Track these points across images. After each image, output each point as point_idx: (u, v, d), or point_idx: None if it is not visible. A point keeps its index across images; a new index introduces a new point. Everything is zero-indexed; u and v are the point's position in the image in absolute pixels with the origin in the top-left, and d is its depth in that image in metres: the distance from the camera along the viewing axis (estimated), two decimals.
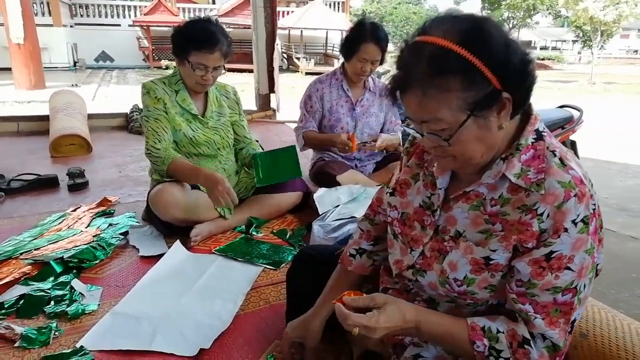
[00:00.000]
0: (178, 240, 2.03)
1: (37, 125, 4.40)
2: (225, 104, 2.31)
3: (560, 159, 0.87)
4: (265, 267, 1.90)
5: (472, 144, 0.87)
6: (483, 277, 0.92)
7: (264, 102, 5.39)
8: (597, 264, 0.92)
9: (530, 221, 0.85)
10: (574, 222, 0.83)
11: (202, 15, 22.08)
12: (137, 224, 2.28)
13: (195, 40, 2.03)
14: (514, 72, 0.83)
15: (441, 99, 0.82)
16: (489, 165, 0.92)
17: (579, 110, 3.82)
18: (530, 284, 0.86)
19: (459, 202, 0.97)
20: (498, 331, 0.89)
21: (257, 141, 2.50)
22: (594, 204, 0.85)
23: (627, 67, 33.29)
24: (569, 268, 0.84)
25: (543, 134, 0.90)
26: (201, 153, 2.19)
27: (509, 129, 0.90)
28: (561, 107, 3.93)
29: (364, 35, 2.36)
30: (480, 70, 0.80)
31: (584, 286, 0.86)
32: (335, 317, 0.95)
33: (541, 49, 47.51)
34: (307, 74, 19.87)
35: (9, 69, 11.43)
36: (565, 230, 0.83)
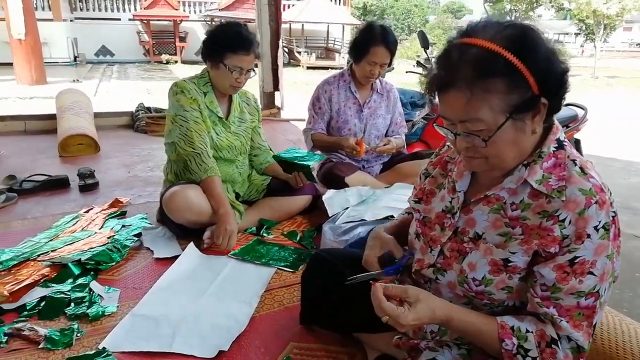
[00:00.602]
0: (192, 243, 2.06)
1: (45, 124, 4.42)
2: (247, 111, 2.35)
3: (581, 168, 0.91)
4: (283, 270, 1.94)
5: (507, 146, 0.91)
6: (501, 278, 0.96)
7: (268, 100, 5.41)
8: (615, 270, 0.95)
9: (552, 227, 0.89)
10: (595, 229, 0.87)
11: (203, 9, 22.08)
12: (150, 225, 2.32)
13: (232, 43, 2.06)
14: (554, 79, 0.88)
15: (484, 99, 0.86)
16: (512, 171, 0.96)
17: (583, 109, 3.85)
18: (555, 289, 0.90)
19: (479, 204, 1.01)
20: (527, 331, 0.91)
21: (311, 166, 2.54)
22: (614, 212, 0.90)
23: (630, 60, 33.12)
24: (591, 273, 0.88)
25: (564, 143, 0.95)
26: (221, 157, 2.22)
27: (537, 136, 0.95)
28: (565, 105, 3.95)
29: (373, 39, 2.39)
30: (524, 75, 0.85)
31: (605, 290, 0.90)
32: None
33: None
34: (308, 68, 19.81)
35: (10, 64, 11.42)
36: (588, 236, 0.87)
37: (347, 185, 2.44)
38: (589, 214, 0.86)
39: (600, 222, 0.87)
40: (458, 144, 0.95)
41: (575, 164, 0.92)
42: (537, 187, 0.92)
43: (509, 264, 0.94)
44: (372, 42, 2.39)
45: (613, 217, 0.89)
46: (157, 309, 1.64)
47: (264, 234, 2.23)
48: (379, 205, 2.08)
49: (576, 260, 0.88)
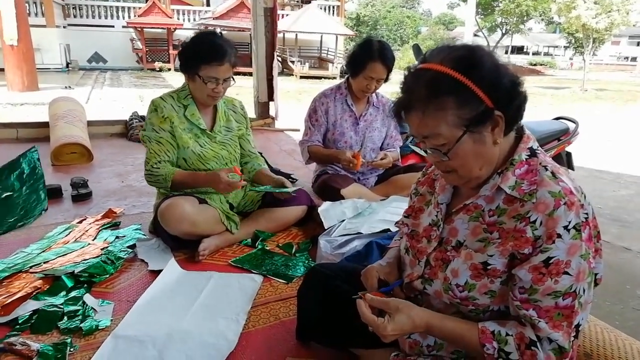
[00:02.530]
0: (172, 259, 2.05)
1: (37, 132, 4.39)
2: (233, 119, 2.35)
3: (552, 173, 0.96)
4: (278, 281, 1.94)
5: (470, 158, 0.97)
6: (483, 282, 0.99)
7: (263, 110, 5.43)
8: (597, 274, 0.99)
9: (524, 228, 0.93)
10: (566, 229, 0.90)
11: (197, 17, 22.16)
12: (144, 236, 2.30)
13: (204, 55, 2.07)
14: (504, 92, 0.94)
15: (438, 116, 0.94)
16: (487, 180, 1.02)
17: (574, 122, 3.89)
18: (532, 290, 0.92)
19: (460, 214, 1.06)
20: (507, 334, 0.94)
21: (260, 153, 2.53)
22: (586, 213, 0.93)
23: (618, 73, 33.72)
24: (566, 273, 0.90)
25: (537, 151, 1.00)
26: (210, 169, 2.22)
27: (504, 147, 1.01)
28: (557, 119, 4.01)
29: (371, 54, 2.41)
30: (472, 90, 0.92)
31: (583, 290, 0.92)
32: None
33: (533, 54, 47.95)
34: (301, 77, 19.90)
35: (2, 70, 11.37)
36: (559, 236, 0.90)
37: (342, 198, 2.44)
38: (558, 214, 0.90)
39: (570, 222, 0.90)
40: (429, 159, 1.05)
41: (547, 170, 0.96)
42: (510, 192, 0.97)
43: (488, 267, 0.98)
44: (370, 57, 2.41)
45: (585, 218, 0.92)
46: (140, 329, 1.57)
47: (259, 246, 2.23)
48: (375, 219, 2.09)
49: (550, 261, 0.90)
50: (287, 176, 3.02)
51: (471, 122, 0.93)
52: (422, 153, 1.04)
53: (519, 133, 1.02)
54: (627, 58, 45.22)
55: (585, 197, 0.96)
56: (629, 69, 36.94)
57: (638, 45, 40.34)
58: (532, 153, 1.00)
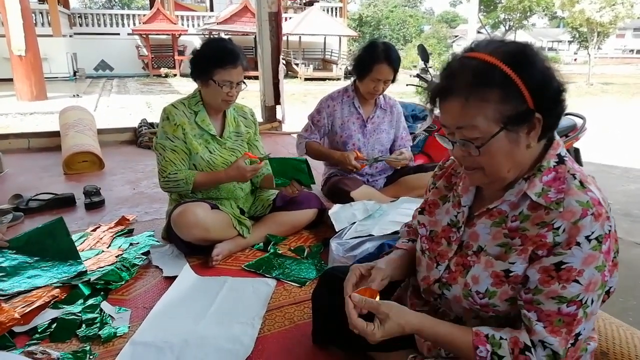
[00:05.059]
0: (187, 265, 2.07)
1: (48, 142, 4.45)
2: (243, 124, 2.37)
3: (581, 182, 0.93)
4: (292, 285, 1.96)
5: (500, 157, 0.93)
6: (504, 289, 0.97)
7: (270, 113, 5.46)
8: (610, 287, 0.98)
9: (546, 234, 0.91)
10: (587, 238, 0.87)
11: (201, 23, 22.28)
12: (158, 243, 2.33)
13: (219, 59, 2.10)
14: (548, 97, 0.91)
15: (480, 107, 0.90)
16: (512, 184, 0.98)
17: (582, 118, 3.89)
18: (536, 290, 0.91)
19: (482, 218, 1.03)
20: (501, 338, 0.93)
21: (269, 154, 2.53)
22: (610, 226, 0.90)
23: (623, 66, 33.44)
24: (577, 281, 0.88)
25: (565, 158, 0.97)
26: None
27: (534, 152, 0.97)
28: (565, 114, 3.99)
29: (377, 56, 2.43)
30: (518, 87, 0.89)
31: (592, 301, 0.90)
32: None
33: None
34: (306, 79, 19.95)
35: (10, 80, 11.50)
36: (578, 244, 0.87)
37: (352, 200, 2.46)
38: (583, 223, 0.88)
39: (593, 232, 0.88)
40: (455, 152, 0.99)
41: (575, 178, 0.94)
42: (536, 199, 0.94)
43: (510, 275, 0.95)
44: (376, 60, 2.43)
45: (609, 231, 0.90)
46: (157, 335, 1.59)
47: (272, 250, 2.25)
48: (386, 220, 2.10)
49: (563, 266, 0.89)
50: None
51: (510, 120, 0.90)
52: (448, 146, 1.00)
53: (549, 139, 0.99)
54: (632, 51, 44.86)
55: (610, 208, 0.93)
56: (634, 61, 36.62)
57: None
58: (560, 160, 0.97)
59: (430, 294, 1.14)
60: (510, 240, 0.97)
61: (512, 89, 0.89)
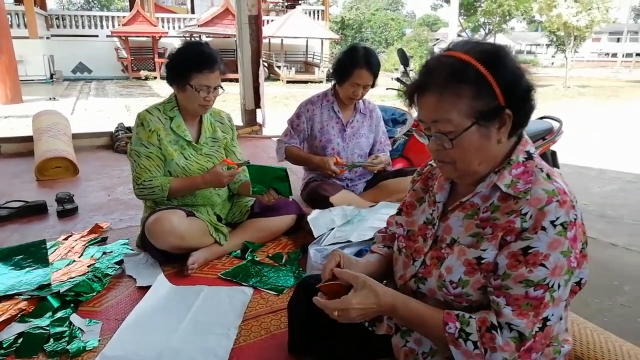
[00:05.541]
0: (161, 274, 2.02)
1: (21, 147, 4.33)
2: (220, 129, 2.33)
3: (547, 174, 0.98)
4: (269, 293, 1.92)
5: (471, 150, 0.99)
6: (476, 278, 0.99)
7: (250, 117, 5.41)
8: (582, 279, 1.01)
9: (514, 219, 0.94)
10: (552, 223, 0.91)
11: (182, 25, 22.10)
12: (132, 251, 2.27)
13: (195, 63, 2.05)
14: (518, 95, 0.97)
15: (454, 102, 0.96)
16: (484, 178, 1.03)
17: (558, 121, 3.94)
18: (505, 275, 0.94)
19: (456, 211, 1.07)
20: (470, 317, 0.96)
21: (248, 161, 2.49)
22: (576, 215, 0.94)
23: (599, 69, 34.24)
24: (543, 265, 0.91)
25: (533, 155, 1.03)
26: None
27: (505, 148, 1.03)
28: (541, 118, 4.05)
29: (357, 61, 2.42)
30: (491, 85, 0.95)
31: (558, 286, 0.92)
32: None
33: (516, 53, 48.32)
34: (288, 82, 19.92)
35: None
36: (543, 229, 0.91)
37: (331, 205, 2.44)
38: (549, 209, 0.92)
39: (558, 218, 0.91)
40: (430, 146, 1.04)
41: (542, 171, 0.99)
42: (506, 190, 0.98)
43: (482, 262, 0.98)
44: (356, 64, 2.42)
45: (574, 219, 0.93)
46: (129, 348, 1.54)
47: (249, 257, 2.21)
48: (365, 226, 2.08)
49: (530, 251, 0.92)
50: None
51: (482, 115, 0.95)
52: (424, 140, 1.05)
53: (519, 136, 1.05)
54: (607, 54, 45.96)
55: (576, 201, 0.97)
56: (609, 64, 37.51)
57: (618, 41, 40.98)
58: (529, 156, 1.02)
59: (406, 292, 1.15)
60: (482, 230, 1.00)
61: (484, 86, 0.94)
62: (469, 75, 0.94)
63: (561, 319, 1.04)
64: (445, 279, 1.03)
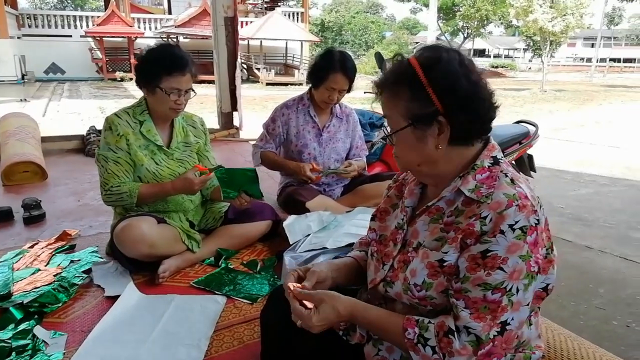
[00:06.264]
0: (131, 283, 1.96)
1: None
2: (192, 134, 2.28)
3: (512, 179, 0.98)
4: (242, 301, 1.88)
5: (407, 150, 1.03)
6: (439, 281, 0.99)
7: (226, 120, 5.35)
8: (548, 284, 1.00)
9: (474, 222, 0.95)
10: (511, 227, 0.91)
11: (158, 26, 21.83)
12: (101, 259, 2.20)
13: (165, 65, 2.00)
14: (456, 101, 0.96)
15: (394, 102, 1.01)
16: (449, 183, 1.03)
17: (534, 126, 3.99)
18: (464, 278, 0.94)
19: (423, 216, 1.08)
20: (429, 322, 0.97)
21: (221, 166, 2.44)
22: (537, 220, 0.93)
23: (575, 74, 35.11)
24: (501, 268, 0.91)
25: (500, 161, 1.02)
26: None
27: (469, 154, 1.03)
28: (517, 122, 4.09)
29: (332, 65, 2.39)
30: (425, 88, 0.96)
31: (517, 290, 0.92)
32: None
33: (495, 57, 49.47)
34: (267, 84, 19.84)
35: None
36: (502, 232, 0.91)
37: (308, 210, 2.40)
38: (508, 212, 0.91)
39: (517, 222, 0.91)
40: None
41: (507, 176, 0.99)
42: (469, 194, 0.98)
43: (444, 264, 0.98)
44: (331, 68, 2.40)
45: (535, 224, 0.92)
46: None
47: (223, 264, 2.16)
48: (341, 232, 2.06)
49: (488, 254, 0.92)
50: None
51: (416, 118, 0.98)
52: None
53: (485, 142, 1.05)
54: (582, 59, 47.20)
55: (541, 206, 0.97)
56: (584, 69, 38.46)
57: (592, 46, 42.09)
58: (495, 161, 1.02)
59: (376, 297, 1.16)
60: (446, 234, 1.01)
61: (419, 89, 0.96)
62: (407, 78, 0.97)
63: (531, 324, 1.04)
64: (410, 282, 1.03)
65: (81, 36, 20.25)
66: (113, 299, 1.87)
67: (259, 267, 2.16)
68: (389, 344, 1.10)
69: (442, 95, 0.95)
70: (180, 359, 1.52)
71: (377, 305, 1.14)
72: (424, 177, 1.10)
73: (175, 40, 19.43)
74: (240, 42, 5.20)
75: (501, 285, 0.91)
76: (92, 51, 20.15)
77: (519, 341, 1.00)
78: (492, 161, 1.01)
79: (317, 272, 1.17)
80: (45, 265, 2.13)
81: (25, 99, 12.24)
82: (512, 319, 0.92)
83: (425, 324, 0.96)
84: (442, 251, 0.99)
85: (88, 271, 2.08)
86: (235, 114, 5.35)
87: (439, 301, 1.00)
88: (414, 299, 1.03)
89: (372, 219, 1.25)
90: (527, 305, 0.94)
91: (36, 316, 1.74)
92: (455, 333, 0.92)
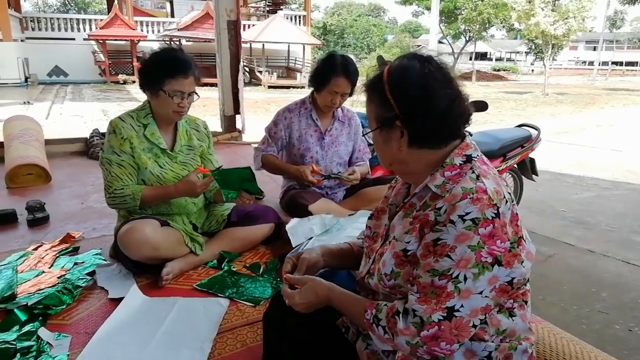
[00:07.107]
0: (135, 285, 1.97)
1: None
2: (196, 137, 2.29)
3: (478, 175, 1.01)
4: (245, 304, 1.88)
5: (380, 151, 1.13)
6: (406, 270, 1.05)
7: (229, 123, 5.37)
8: (513, 278, 0.99)
9: (429, 212, 1.00)
10: (461, 218, 0.95)
11: (161, 29, 21.88)
12: (104, 261, 2.21)
13: (169, 69, 2.02)
14: (409, 107, 1.02)
15: (369, 105, 1.10)
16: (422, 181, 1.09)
17: (536, 129, 3.99)
18: (418, 265, 1.00)
19: (400, 212, 1.15)
20: (385, 305, 1.04)
21: (220, 167, 2.45)
22: (495, 213, 0.95)
23: (577, 77, 35.07)
24: (448, 256, 0.95)
25: (474, 159, 1.05)
26: None
27: (436, 154, 1.06)
28: (520, 126, 4.10)
29: (335, 69, 2.41)
30: (386, 94, 1.03)
31: (465, 278, 0.94)
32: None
33: (496, 60, 49.47)
34: (269, 87, 19.88)
35: None
36: (452, 222, 0.95)
37: (310, 214, 2.41)
38: (459, 204, 0.96)
39: (468, 213, 0.94)
40: None
41: (474, 172, 1.02)
42: (435, 190, 1.03)
43: (408, 254, 1.04)
44: (333, 72, 2.41)
45: (492, 217, 0.94)
46: None
47: (226, 267, 2.16)
48: (343, 235, 2.07)
49: (439, 242, 0.97)
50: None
51: (383, 122, 1.06)
52: None
53: (462, 140, 1.09)
54: (584, 62, 47.19)
55: (507, 202, 0.98)
56: (586, 72, 38.44)
57: (594, 50, 42.07)
58: (468, 159, 1.05)
59: (363, 289, 1.22)
60: (411, 226, 1.06)
61: (383, 95, 1.04)
62: (376, 84, 1.06)
63: (513, 316, 1.05)
64: (382, 272, 1.08)
65: (84, 39, 20.30)
66: (117, 301, 1.88)
67: (261, 270, 2.16)
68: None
69: (399, 102, 1.02)
70: None
71: (364, 297, 1.19)
72: (401, 176, 1.19)
73: (178, 43, 19.50)
74: (243, 45, 5.21)
75: (447, 271, 0.95)
76: (95, 54, 20.21)
77: (497, 329, 1.02)
78: (464, 159, 1.05)
79: (307, 259, 1.29)
80: (49, 268, 2.14)
81: (29, 102, 12.28)
82: (462, 306, 0.94)
83: (381, 307, 1.03)
84: (405, 241, 1.05)
85: (92, 273, 2.09)
86: (237, 117, 5.36)
87: (407, 290, 1.04)
88: (386, 289, 1.09)
89: (369, 218, 1.30)
90: (481, 294, 0.95)
91: (40, 318, 1.75)
92: (402, 314, 0.98)
